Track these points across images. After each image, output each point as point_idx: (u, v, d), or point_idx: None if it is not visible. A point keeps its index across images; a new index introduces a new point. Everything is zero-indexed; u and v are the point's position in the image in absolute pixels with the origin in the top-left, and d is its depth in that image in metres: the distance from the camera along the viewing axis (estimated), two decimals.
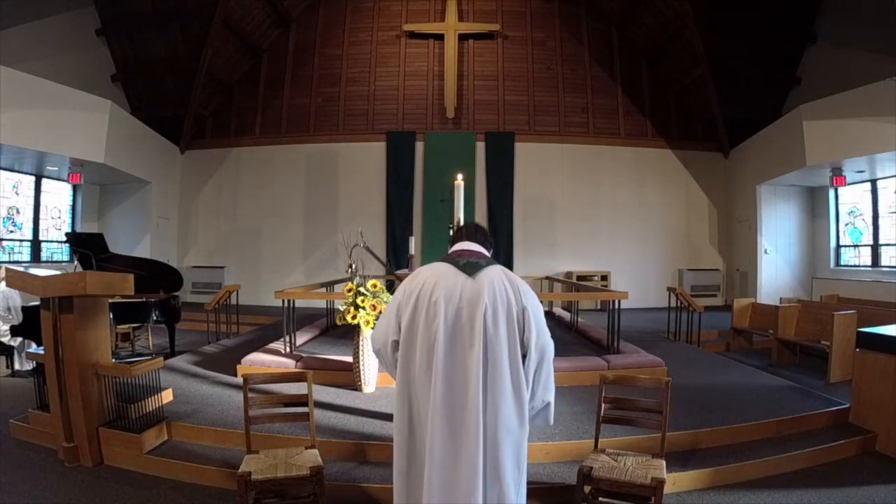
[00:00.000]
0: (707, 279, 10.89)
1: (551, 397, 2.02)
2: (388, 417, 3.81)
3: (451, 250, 2.16)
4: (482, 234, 2.21)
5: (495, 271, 1.99)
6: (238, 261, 10.85)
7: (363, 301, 4.27)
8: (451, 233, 2.31)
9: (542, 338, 1.95)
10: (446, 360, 1.87)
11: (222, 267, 10.78)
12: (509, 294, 1.94)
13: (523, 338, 1.92)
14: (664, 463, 2.58)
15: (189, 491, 3.05)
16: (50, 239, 9.41)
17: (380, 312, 4.30)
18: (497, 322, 1.89)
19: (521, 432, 1.91)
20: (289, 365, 4.85)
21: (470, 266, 1.99)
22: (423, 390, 1.89)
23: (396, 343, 1.98)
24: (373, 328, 4.27)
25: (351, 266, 4.60)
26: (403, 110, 10.93)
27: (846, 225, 9.46)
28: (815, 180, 9.34)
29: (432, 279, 1.97)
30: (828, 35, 9.56)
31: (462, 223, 2.31)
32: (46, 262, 9.21)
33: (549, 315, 8.41)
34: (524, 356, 1.92)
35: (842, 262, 9.54)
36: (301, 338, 6.04)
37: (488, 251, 2.17)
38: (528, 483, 2.83)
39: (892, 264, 8.57)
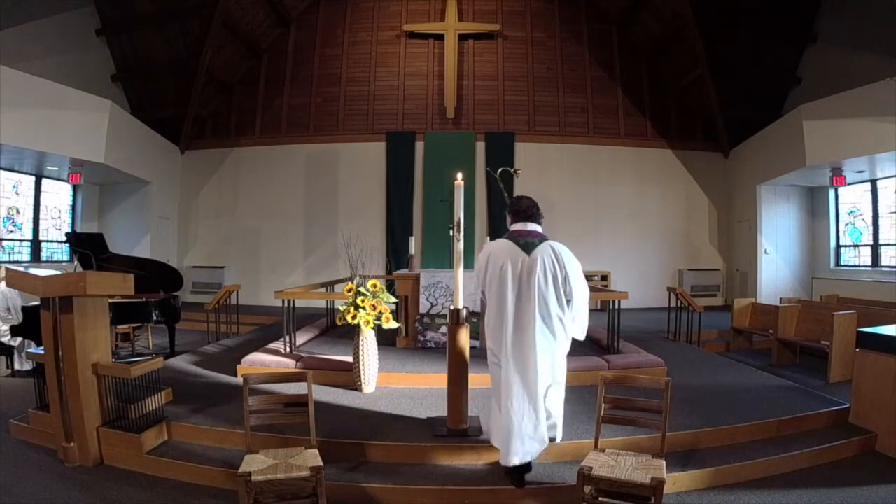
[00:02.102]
0: (707, 279, 10.88)
1: (581, 335, 3.05)
2: (388, 417, 3.81)
3: (512, 228, 3.03)
4: (535, 211, 3.04)
5: (545, 248, 2.90)
6: (238, 261, 10.84)
7: (363, 301, 4.27)
8: (509, 209, 3.13)
9: (580, 291, 2.92)
10: (517, 305, 2.86)
11: (222, 267, 10.78)
12: (555, 265, 2.87)
13: (566, 291, 2.89)
14: (664, 463, 2.58)
15: (189, 491, 3.05)
16: (50, 239, 9.41)
17: (380, 312, 4.31)
18: (547, 283, 2.85)
19: (564, 342, 2.96)
20: (289, 365, 4.86)
21: (528, 245, 2.90)
22: (499, 318, 2.91)
23: (482, 293, 3.04)
24: (382, 326, 4.31)
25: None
26: (403, 110, 10.93)
27: (846, 225, 9.46)
28: (815, 180, 9.34)
29: (501, 255, 2.92)
30: (828, 35, 9.55)
31: (518, 201, 3.09)
32: (46, 262, 9.21)
33: None
34: (569, 301, 2.92)
35: (842, 262, 9.54)
36: (301, 338, 6.04)
37: (541, 223, 3.04)
38: (528, 483, 2.87)
39: (892, 264, 8.57)
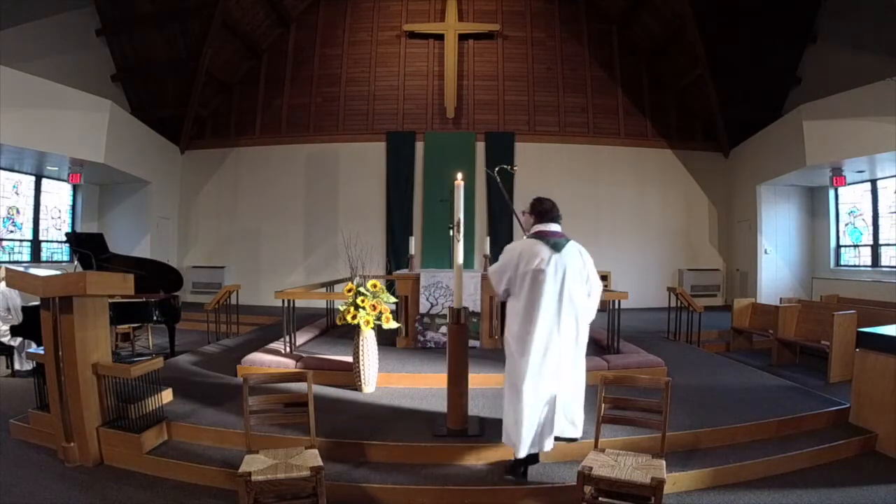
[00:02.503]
0: (707, 279, 10.88)
1: (591, 318, 3.22)
2: (388, 417, 3.82)
3: (537, 229, 3.18)
4: (557, 212, 3.26)
5: (572, 248, 3.11)
6: (238, 261, 10.84)
7: (363, 301, 4.27)
8: (531, 210, 3.31)
9: (596, 286, 3.20)
10: (549, 302, 2.99)
11: (222, 267, 10.78)
12: (581, 263, 3.11)
13: (587, 287, 3.14)
14: (664, 463, 2.58)
15: (189, 491, 3.05)
16: (50, 239, 9.41)
17: (380, 312, 4.31)
18: (576, 281, 3.07)
19: (586, 336, 3.20)
20: (289, 365, 4.86)
21: (556, 244, 3.07)
22: (529, 314, 3.01)
23: (507, 291, 3.17)
24: (382, 326, 4.29)
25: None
26: (403, 110, 10.92)
27: (846, 225, 9.45)
28: (815, 180, 9.34)
29: (534, 254, 3.04)
30: (828, 35, 9.54)
31: (540, 202, 3.31)
32: (46, 262, 9.21)
33: None
34: (588, 296, 3.16)
35: (842, 262, 9.53)
36: (301, 338, 6.04)
37: (560, 223, 3.23)
38: (529, 483, 2.87)
39: (892, 264, 8.56)
